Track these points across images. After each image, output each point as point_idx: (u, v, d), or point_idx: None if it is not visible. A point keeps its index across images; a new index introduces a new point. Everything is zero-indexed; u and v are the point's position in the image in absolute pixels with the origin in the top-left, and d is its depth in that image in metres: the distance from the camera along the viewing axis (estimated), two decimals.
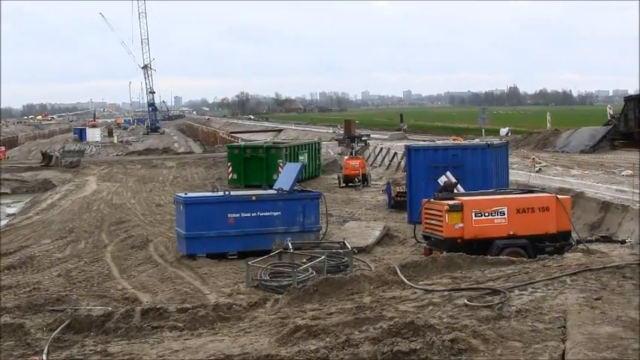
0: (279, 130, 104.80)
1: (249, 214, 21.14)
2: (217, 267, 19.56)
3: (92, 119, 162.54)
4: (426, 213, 19.16)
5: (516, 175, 32.83)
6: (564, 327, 8.81)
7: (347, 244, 19.70)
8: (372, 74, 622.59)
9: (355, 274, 13.36)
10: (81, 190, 39.99)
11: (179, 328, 11.08)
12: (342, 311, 10.73)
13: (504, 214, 18.07)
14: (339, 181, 39.79)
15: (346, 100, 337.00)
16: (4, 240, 25.18)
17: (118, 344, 10.45)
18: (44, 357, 10.03)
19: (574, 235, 19.13)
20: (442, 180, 21.22)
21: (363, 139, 60.59)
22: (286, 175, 23.26)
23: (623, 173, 33.03)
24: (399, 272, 12.79)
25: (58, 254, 22.14)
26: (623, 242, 20.63)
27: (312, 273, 16.92)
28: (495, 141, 33.42)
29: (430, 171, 25.42)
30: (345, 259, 18.64)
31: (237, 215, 21.05)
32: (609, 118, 55.64)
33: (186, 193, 23.12)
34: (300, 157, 41.29)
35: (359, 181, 38.35)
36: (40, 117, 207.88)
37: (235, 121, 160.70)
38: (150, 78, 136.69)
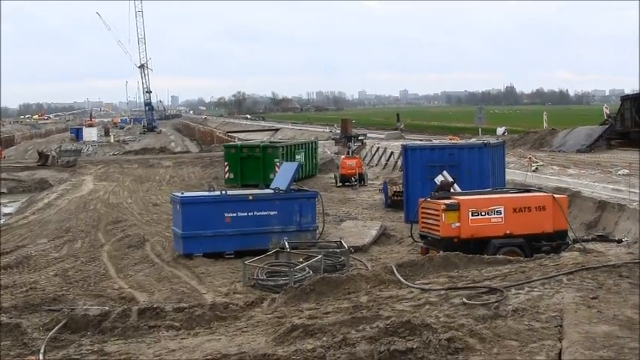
0: (276, 130, 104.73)
1: (245, 214, 21.15)
2: (214, 266, 19.57)
3: (89, 119, 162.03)
4: (422, 212, 19.17)
5: (513, 175, 32.85)
6: (561, 326, 8.82)
7: (344, 244, 19.71)
8: (368, 74, 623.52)
9: (352, 274, 13.35)
10: (77, 190, 39.95)
11: (176, 327, 11.08)
12: (338, 310, 10.73)
13: (501, 214, 18.08)
14: (336, 181, 39.79)
15: (343, 100, 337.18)
16: (1, 240, 25.14)
17: (114, 344, 10.44)
18: (41, 357, 10.02)
19: (570, 234, 19.15)
20: (439, 179, 21.21)
21: (359, 138, 60.60)
22: (283, 175, 23.26)
23: (619, 173, 33.06)
24: (395, 271, 12.80)
25: (54, 254, 22.13)
26: (619, 241, 20.65)
27: (309, 272, 16.92)
28: (492, 140, 33.44)
29: (427, 170, 25.41)
30: (342, 258, 18.64)
31: (234, 215, 21.05)
32: (606, 117, 55.63)
33: (182, 193, 23.12)
34: (297, 157, 41.29)
35: (355, 181, 38.37)
36: (36, 116, 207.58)
37: (232, 120, 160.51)
38: (146, 77, 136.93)
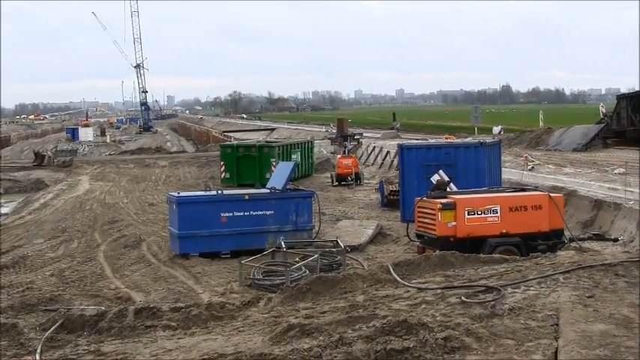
0: (272, 129, 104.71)
1: (242, 213, 21.14)
2: (210, 266, 19.56)
3: (85, 119, 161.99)
4: (418, 211, 19.17)
5: (509, 174, 32.88)
6: (557, 325, 8.83)
7: (340, 243, 19.70)
8: (364, 73, 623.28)
9: (348, 273, 13.34)
10: (74, 190, 39.90)
11: (172, 327, 11.07)
12: (335, 310, 10.72)
13: (497, 213, 18.09)
14: (332, 180, 39.80)
15: (339, 99, 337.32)
16: None
17: (111, 344, 10.43)
18: (37, 357, 10.01)
19: (567, 233, 19.17)
20: (435, 178, 21.23)
21: (355, 137, 60.17)
22: (279, 174, 23.25)
23: (615, 171, 33.10)
24: (392, 271, 12.80)
25: (50, 254, 22.10)
26: (615, 240, 20.69)
27: (305, 272, 16.92)
28: (488, 139, 33.48)
29: (423, 169, 25.43)
30: (338, 257, 18.64)
31: (230, 214, 21.04)
32: (602, 116, 55.73)
33: (178, 193, 23.12)
34: (293, 156, 41.27)
35: (352, 180, 38.36)
36: (32, 116, 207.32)
37: (228, 120, 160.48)
38: (142, 77, 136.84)
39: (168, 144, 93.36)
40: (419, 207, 19.13)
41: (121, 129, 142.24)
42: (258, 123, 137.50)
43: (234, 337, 10.18)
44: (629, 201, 23.60)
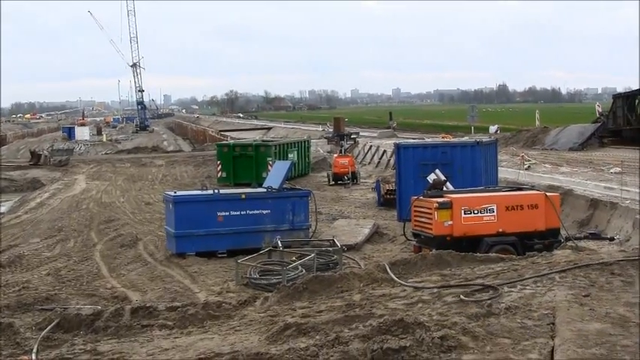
0: (269, 128, 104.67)
1: (238, 213, 21.14)
2: (207, 265, 19.55)
3: (81, 118, 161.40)
4: (415, 211, 19.18)
5: (505, 173, 32.92)
6: (553, 324, 8.83)
7: (336, 242, 19.72)
8: (360, 72, 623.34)
9: (345, 272, 13.34)
10: (70, 189, 39.87)
11: (169, 326, 11.06)
12: (331, 309, 10.72)
13: (493, 212, 18.11)
14: (329, 179, 39.81)
15: (335, 98, 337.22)
16: None
17: (107, 343, 10.42)
18: (33, 356, 9.99)
19: (563, 232, 19.20)
20: (431, 178, 21.30)
21: (352, 137, 60.57)
22: (275, 174, 23.26)
23: (611, 171, 33.15)
24: (388, 270, 12.81)
25: (47, 253, 22.08)
26: (611, 239, 20.72)
27: (302, 271, 16.93)
28: (484, 138, 33.53)
29: (419, 169, 25.47)
30: (335, 256, 18.66)
31: (227, 213, 21.04)
32: (598, 115, 55.81)
33: (175, 192, 23.09)
34: (290, 155, 41.29)
35: (348, 179, 38.40)
36: (28, 116, 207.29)
37: (224, 119, 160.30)
38: (139, 76, 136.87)
39: (165, 143, 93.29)
40: (415, 206, 19.14)
41: (117, 128, 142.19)
42: (255, 122, 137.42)
43: (231, 336, 10.18)
44: (625, 200, 23.64)
